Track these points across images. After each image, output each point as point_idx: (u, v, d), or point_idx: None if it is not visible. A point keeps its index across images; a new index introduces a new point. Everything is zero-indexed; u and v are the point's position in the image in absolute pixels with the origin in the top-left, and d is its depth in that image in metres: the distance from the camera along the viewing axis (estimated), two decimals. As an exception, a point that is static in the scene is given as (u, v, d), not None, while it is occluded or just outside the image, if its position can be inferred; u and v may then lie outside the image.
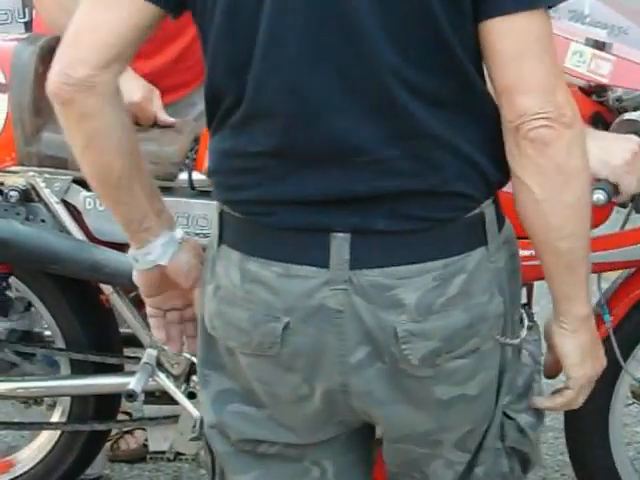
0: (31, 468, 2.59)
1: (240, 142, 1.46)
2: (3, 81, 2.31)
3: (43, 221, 2.33)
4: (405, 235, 1.43)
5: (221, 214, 1.53)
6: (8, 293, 2.46)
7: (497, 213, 1.49)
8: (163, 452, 2.50)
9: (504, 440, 1.57)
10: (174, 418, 2.41)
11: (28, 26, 3.14)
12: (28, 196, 2.33)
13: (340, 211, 1.43)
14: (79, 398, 2.52)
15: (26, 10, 3.19)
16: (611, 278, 2.29)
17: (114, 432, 2.86)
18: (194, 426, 2.17)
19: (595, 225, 1.86)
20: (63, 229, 2.33)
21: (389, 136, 1.40)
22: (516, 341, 1.53)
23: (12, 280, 2.43)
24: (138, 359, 2.37)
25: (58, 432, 2.56)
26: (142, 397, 2.32)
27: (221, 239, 1.52)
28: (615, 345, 2.12)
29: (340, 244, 1.43)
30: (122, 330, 2.52)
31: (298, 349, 1.46)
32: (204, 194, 2.26)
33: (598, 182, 1.86)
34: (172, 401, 2.36)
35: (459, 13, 1.37)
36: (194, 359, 2.25)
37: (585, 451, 2.36)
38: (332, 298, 1.43)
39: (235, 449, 1.59)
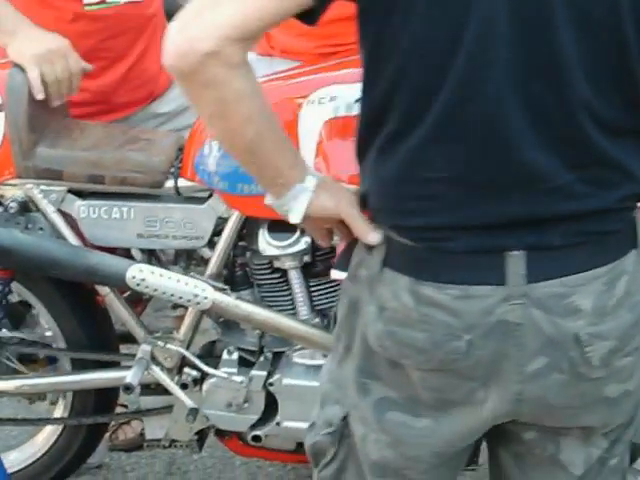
0: (36, 460, 2.66)
1: (415, 167, 1.43)
2: (0, 101, 2.34)
3: (41, 229, 2.36)
4: (578, 247, 1.45)
5: (387, 239, 1.50)
6: (10, 298, 2.50)
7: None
8: (159, 440, 2.53)
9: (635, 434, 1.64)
10: (168, 408, 2.45)
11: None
12: (27, 207, 2.37)
13: (515, 232, 1.43)
14: (80, 394, 2.57)
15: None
16: None
17: (112, 423, 2.92)
18: (188, 414, 2.30)
19: None
20: (60, 236, 2.36)
21: (571, 164, 1.40)
22: None
23: (14, 285, 2.47)
24: (133, 356, 2.40)
25: (61, 426, 2.63)
26: (138, 389, 2.34)
27: (385, 263, 1.50)
28: None
29: (516, 262, 1.43)
30: (118, 328, 2.57)
31: (479, 361, 1.47)
32: (189, 199, 2.31)
33: None
34: (166, 392, 2.39)
35: None
36: (185, 352, 2.35)
37: None
38: (511, 313, 1.44)
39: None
